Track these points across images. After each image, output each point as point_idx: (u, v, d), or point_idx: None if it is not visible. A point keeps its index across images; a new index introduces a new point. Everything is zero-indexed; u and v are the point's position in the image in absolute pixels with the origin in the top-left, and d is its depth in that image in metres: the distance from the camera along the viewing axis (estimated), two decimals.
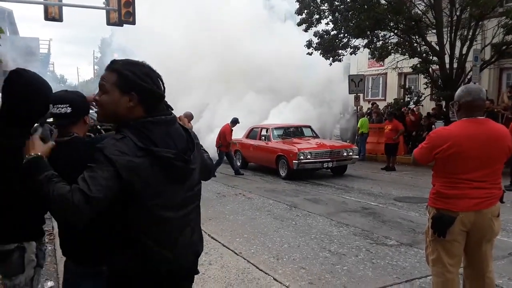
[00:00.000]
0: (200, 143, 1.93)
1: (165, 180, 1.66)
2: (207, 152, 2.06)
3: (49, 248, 4.74)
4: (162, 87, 1.74)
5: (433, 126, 12.93)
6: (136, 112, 1.67)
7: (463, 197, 2.71)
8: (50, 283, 3.94)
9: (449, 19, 13.39)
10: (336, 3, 14.39)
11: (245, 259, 4.74)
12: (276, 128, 12.32)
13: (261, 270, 4.38)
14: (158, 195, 1.65)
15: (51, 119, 2.08)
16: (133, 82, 1.65)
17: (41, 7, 11.87)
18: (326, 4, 14.70)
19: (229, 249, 5.09)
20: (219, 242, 5.32)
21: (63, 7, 12.10)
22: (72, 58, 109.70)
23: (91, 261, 1.95)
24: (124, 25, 12.46)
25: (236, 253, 4.93)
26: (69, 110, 1.98)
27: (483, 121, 2.74)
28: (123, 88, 1.65)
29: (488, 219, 2.74)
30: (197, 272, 1.91)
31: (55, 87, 2.57)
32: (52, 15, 11.83)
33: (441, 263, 2.83)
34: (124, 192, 1.58)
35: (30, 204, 2.03)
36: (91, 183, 1.51)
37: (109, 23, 12.44)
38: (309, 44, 15.56)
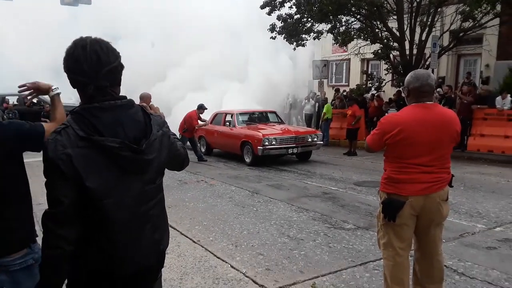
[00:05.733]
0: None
1: (116, 172, 1.53)
2: (180, 141, 1.91)
3: None
4: (97, 68, 1.52)
5: (385, 113, 13.21)
6: (82, 101, 1.59)
7: (412, 182, 2.72)
8: None
9: (410, 5, 13.62)
10: None
11: (203, 247, 4.68)
12: (241, 114, 12.17)
13: (218, 257, 4.34)
14: (111, 190, 1.52)
15: None
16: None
17: None
18: None
19: (187, 237, 5.01)
20: (177, 231, 5.21)
21: None
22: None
23: None
24: (79, 4, 11.93)
25: (194, 241, 4.85)
26: None
27: (431, 106, 2.75)
28: None
29: (436, 203, 2.78)
30: (162, 267, 1.81)
31: None
32: None
33: (392, 247, 2.86)
34: (81, 190, 1.48)
35: None
36: (48, 197, 1.50)
37: (63, 2, 11.85)
38: (272, 28, 15.44)
